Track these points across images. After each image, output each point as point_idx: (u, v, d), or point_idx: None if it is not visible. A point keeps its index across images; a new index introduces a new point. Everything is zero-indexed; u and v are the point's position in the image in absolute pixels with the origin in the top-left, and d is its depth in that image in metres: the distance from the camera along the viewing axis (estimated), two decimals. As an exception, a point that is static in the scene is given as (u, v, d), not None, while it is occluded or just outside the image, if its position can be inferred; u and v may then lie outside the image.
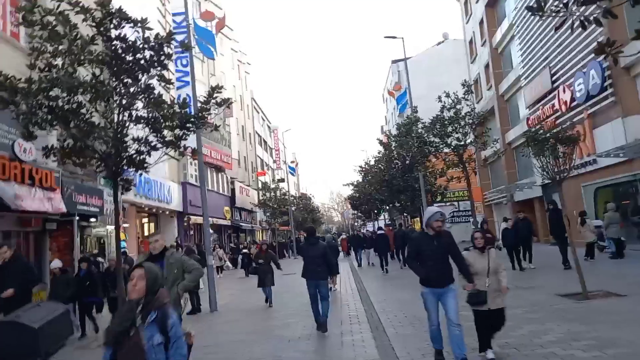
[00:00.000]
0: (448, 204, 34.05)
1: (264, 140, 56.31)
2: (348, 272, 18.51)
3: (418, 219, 39.70)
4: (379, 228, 25.19)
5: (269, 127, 59.23)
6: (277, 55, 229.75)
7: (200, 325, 9.98)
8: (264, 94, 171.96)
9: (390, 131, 25.77)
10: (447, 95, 15.10)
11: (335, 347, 6.97)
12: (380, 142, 24.90)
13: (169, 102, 9.22)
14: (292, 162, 51.49)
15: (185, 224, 28.49)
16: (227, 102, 10.28)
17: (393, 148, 24.68)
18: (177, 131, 9.52)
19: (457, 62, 38.08)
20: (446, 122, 14.96)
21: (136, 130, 9.59)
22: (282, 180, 50.37)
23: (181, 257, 5.96)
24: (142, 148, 9.32)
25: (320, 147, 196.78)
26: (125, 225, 16.99)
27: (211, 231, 35.65)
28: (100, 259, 12.72)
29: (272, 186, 37.71)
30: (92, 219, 13.92)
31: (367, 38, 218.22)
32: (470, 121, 14.96)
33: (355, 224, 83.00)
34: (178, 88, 27.17)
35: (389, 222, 48.43)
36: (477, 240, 5.68)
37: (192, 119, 9.58)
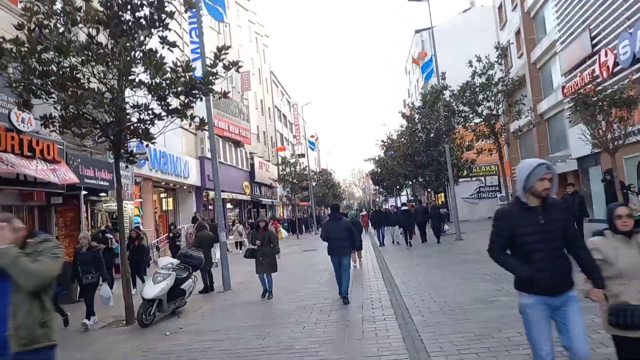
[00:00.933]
0: (474, 178, 32.77)
1: (284, 115, 55.34)
2: (370, 250, 17.72)
3: (442, 194, 38.59)
4: (403, 204, 24.25)
5: (288, 101, 58.14)
6: (296, 28, 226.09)
7: (210, 306, 9.35)
8: (283, 68, 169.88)
9: (413, 103, 24.49)
10: (479, 60, 13.83)
11: (355, 336, 6.19)
12: (403, 115, 23.71)
13: (171, 66, 8.35)
14: (312, 136, 50.47)
15: (205, 199, 28.05)
16: (235, 65, 9.37)
17: (417, 121, 23.48)
18: (182, 98, 8.72)
19: (485, 30, 36.07)
20: (477, 89, 13.74)
21: (140, 98, 8.84)
22: (302, 155, 49.57)
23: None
24: (144, 116, 8.54)
25: (341, 123, 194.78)
26: (140, 200, 16.41)
27: (230, 206, 35.52)
28: (109, 234, 12.16)
29: (292, 161, 36.88)
30: (102, 194, 13.36)
31: (389, 6, 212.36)
32: (504, 88, 13.68)
33: (377, 199, 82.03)
34: (193, 60, 26.26)
35: (412, 198, 47.36)
36: (622, 220, 3.33)
37: (199, 84, 8.73)
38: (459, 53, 27.37)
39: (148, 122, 8.78)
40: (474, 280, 9.22)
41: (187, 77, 8.46)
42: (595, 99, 7.49)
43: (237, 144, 33.69)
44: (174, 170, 22.56)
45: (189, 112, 9.17)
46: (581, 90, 9.40)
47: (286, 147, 52.19)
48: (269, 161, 42.78)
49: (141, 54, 7.93)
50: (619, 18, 16.60)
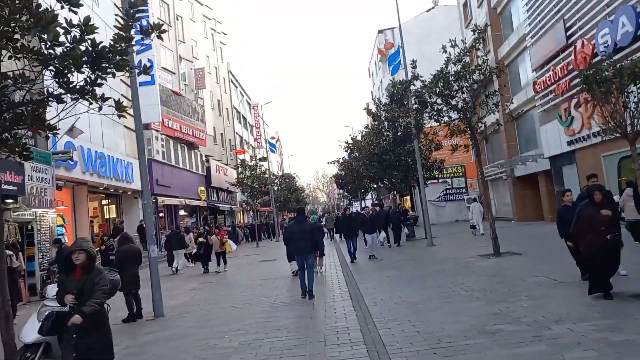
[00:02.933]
0: (440, 180, 31.64)
1: (244, 117, 53.04)
2: (334, 260, 15.87)
3: (408, 197, 37.37)
4: (364, 208, 22.89)
5: (248, 103, 55.89)
6: (256, 28, 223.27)
7: (130, 342, 7.23)
8: (242, 68, 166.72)
9: (379, 99, 22.96)
10: (453, 45, 12.34)
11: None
12: (369, 112, 22.15)
13: (64, 25, 6.23)
14: (272, 137, 48.39)
15: (153, 204, 25.53)
16: (158, 28, 7.33)
17: (383, 118, 21.94)
18: (86, 72, 6.64)
19: (449, 30, 35.15)
20: (451, 79, 12.25)
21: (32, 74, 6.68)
22: (264, 159, 47.40)
23: None
24: (30, 96, 6.38)
25: (304, 126, 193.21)
26: (62, 207, 13.98)
27: (184, 213, 32.97)
28: (9, 251, 9.77)
29: (251, 163, 34.75)
30: (9, 200, 10.96)
31: (352, 7, 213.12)
32: (481, 77, 12.24)
33: (341, 204, 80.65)
34: (138, 52, 23.88)
35: (376, 202, 46.14)
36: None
37: (107, 52, 6.64)
38: (424, 53, 26.16)
39: (42, 103, 6.62)
40: (462, 300, 7.54)
41: (89, 42, 6.35)
42: (609, 73, 6.00)
43: (191, 145, 31.31)
44: (114, 174, 20.09)
45: (98, 92, 7.07)
46: (591, 68, 7.83)
47: (247, 150, 49.91)
48: (227, 165, 40.45)
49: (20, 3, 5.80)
50: (596, 7, 15.60)
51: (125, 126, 22.64)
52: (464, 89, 12.66)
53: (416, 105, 13.57)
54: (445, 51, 12.55)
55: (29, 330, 5.81)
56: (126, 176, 21.48)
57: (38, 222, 12.26)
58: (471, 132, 12.75)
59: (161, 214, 28.45)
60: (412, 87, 13.58)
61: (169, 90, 27.67)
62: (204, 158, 34.45)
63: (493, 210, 31.36)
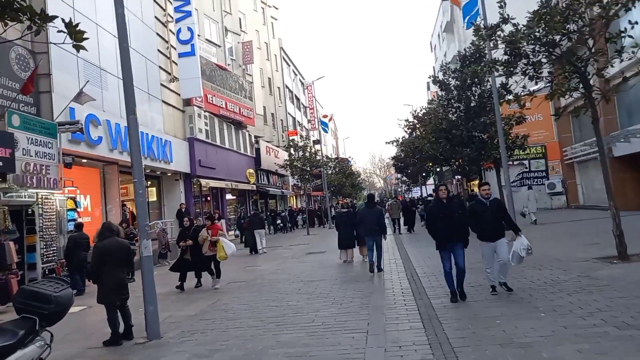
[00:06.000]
0: (516, 162, 27.57)
1: (296, 97, 50.65)
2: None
3: (477, 182, 33.45)
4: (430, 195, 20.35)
5: (302, 82, 53.37)
6: (311, 5, 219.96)
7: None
8: (296, 46, 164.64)
9: (448, 65, 19.53)
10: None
11: None
12: (435, 81, 18.81)
13: None
14: (325, 116, 45.54)
15: (196, 187, 23.71)
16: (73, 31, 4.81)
17: (452, 87, 18.52)
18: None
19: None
20: (558, 15, 8.89)
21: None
22: (318, 141, 44.85)
23: None
24: None
25: (360, 109, 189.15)
26: (73, 188, 12.03)
27: (232, 197, 31.13)
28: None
29: (300, 144, 32.23)
30: (-7, 179, 8.97)
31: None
32: (603, 11, 8.76)
33: (399, 189, 76.96)
34: (177, 20, 21.84)
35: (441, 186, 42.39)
36: None
37: None
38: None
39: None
40: (616, 345, 4.49)
41: None
42: None
43: (239, 125, 29.21)
44: (148, 153, 18.19)
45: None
46: None
47: (299, 132, 47.55)
48: (278, 146, 38.25)
49: None
50: None
51: (163, 101, 20.76)
52: (579, 27, 9.23)
53: (506, 57, 10.25)
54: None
55: None
56: (163, 155, 19.58)
57: (40, 206, 10.33)
58: (585, 88, 9.31)
59: (207, 198, 26.73)
60: (500, 32, 10.23)
61: (213, 64, 25.56)
62: (252, 139, 32.33)
63: (580, 197, 27.04)
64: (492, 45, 10.06)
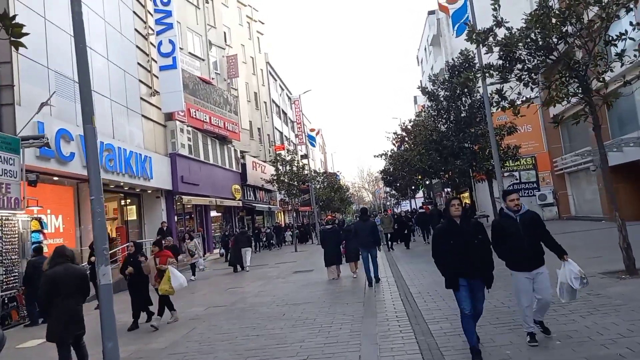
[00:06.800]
0: (507, 174, 27.15)
1: (284, 112, 50.12)
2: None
3: (467, 194, 33.00)
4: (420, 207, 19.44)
5: (289, 97, 52.92)
6: (297, 20, 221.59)
7: None
8: (282, 61, 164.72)
9: (436, 76, 19.08)
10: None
11: None
12: (424, 91, 18.33)
13: None
14: (312, 130, 44.98)
15: (179, 204, 22.83)
16: None
17: (442, 98, 18.06)
18: None
19: None
20: (555, 17, 8.38)
21: None
22: (306, 156, 44.21)
23: None
24: None
25: (348, 123, 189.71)
26: (38, 207, 11.13)
27: (217, 213, 30.18)
28: None
29: (288, 158, 31.54)
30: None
31: None
32: (604, 13, 8.26)
33: (388, 203, 76.43)
34: (158, 33, 21.20)
35: (428, 200, 41.85)
36: None
37: None
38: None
39: None
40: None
41: None
42: None
43: (224, 139, 28.46)
44: (126, 169, 17.34)
45: None
46: None
47: (287, 147, 46.85)
48: (265, 162, 37.51)
49: None
50: None
51: (143, 116, 19.99)
52: (578, 30, 8.75)
53: (500, 62, 9.72)
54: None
55: None
56: (143, 172, 18.73)
57: (0, 228, 9.43)
58: (585, 92, 8.79)
59: (192, 215, 25.81)
60: (493, 37, 9.70)
61: (197, 77, 24.89)
62: (238, 154, 31.58)
63: (572, 208, 26.64)
64: (485, 49, 9.46)
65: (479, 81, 12.17)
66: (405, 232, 18.61)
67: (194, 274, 15.74)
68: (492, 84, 12.50)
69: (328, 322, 7.20)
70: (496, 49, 9.69)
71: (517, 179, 28.63)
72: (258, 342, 6.52)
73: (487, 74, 10.04)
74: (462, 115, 17.14)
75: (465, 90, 16.97)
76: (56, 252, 5.59)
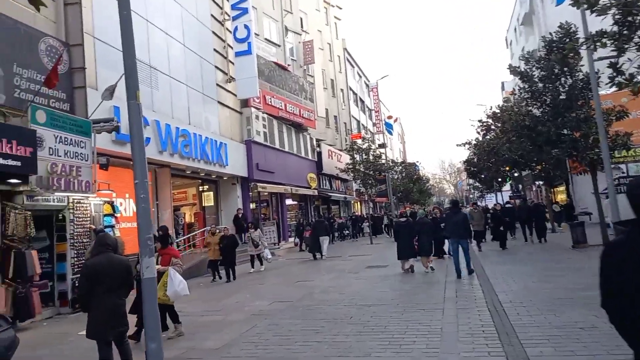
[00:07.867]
0: (612, 166, 23.94)
1: (361, 100, 49.00)
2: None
3: (563, 187, 29.91)
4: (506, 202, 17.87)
5: (366, 84, 51.65)
6: (375, 4, 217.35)
7: None
8: (360, 47, 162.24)
9: (529, 53, 17.00)
10: None
11: None
12: (514, 71, 16.38)
13: None
14: (390, 117, 43.36)
15: (254, 192, 22.79)
16: None
17: (537, 79, 16.02)
18: None
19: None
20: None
21: None
22: (384, 145, 42.89)
23: None
24: None
25: (429, 112, 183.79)
26: (109, 191, 11.18)
27: (292, 202, 29.99)
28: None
29: (363, 146, 30.50)
30: (13, 181, 8.14)
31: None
32: None
33: (471, 196, 72.63)
34: (234, 18, 21.06)
35: (517, 194, 38.72)
36: None
37: None
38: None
39: None
40: None
41: None
42: None
43: (299, 127, 28.07)
44: (202, 156, 17.38)
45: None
46: None
47: (364, 135, 45.74)
48: (342, 150, 36.77)
49: None
50: None
51: (219, 102, 19.99)
52: None
53: (614, 28, 8.00)
54: None
55: None
56: (218, 158, 18.74)
57: (71, 211, 9.52)
58: None
59: (267, 203, 25.77)
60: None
61: (272, 63, 24.60)
62: (314, 142, 31.10)
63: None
64: (596, 13, 7.80)
65: (584, 57, 10.36)
66: (501, 228, 16.84)
67: (261, 264, 15.35)
68: (600, 58, 10.68)
69: (400, 332, 6.23)
70: (611, 12, 7.98)
71: (624, 172, 25.23)
72: (318, 350, 5.71)
73: (597, 44, 8.32)
74: (561, 97, 15.04)
75: (565, 69, 14.86)
76: (98, 241, 5.14)
